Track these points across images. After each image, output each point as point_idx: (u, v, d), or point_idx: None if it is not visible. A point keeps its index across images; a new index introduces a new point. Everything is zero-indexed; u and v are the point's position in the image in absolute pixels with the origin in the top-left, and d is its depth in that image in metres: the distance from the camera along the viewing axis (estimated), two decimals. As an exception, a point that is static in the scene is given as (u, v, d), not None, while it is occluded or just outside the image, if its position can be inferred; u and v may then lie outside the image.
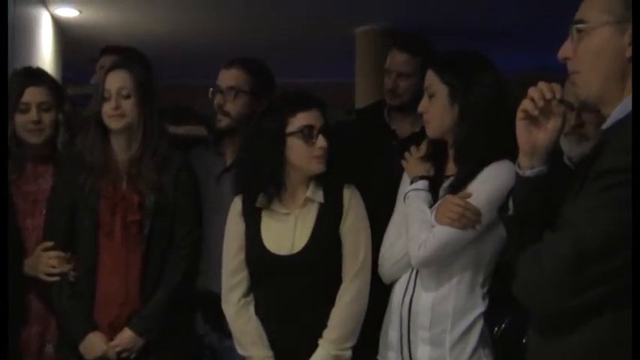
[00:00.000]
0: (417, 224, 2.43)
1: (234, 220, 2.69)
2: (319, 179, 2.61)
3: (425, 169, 2.56)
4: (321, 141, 2.57)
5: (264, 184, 2.62)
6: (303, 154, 2.58)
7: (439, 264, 2.42)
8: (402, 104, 3.33)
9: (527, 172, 1.82)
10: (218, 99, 3.06)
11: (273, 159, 2.59)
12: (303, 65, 8.48)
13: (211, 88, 3.08)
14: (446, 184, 2.51)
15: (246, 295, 2.66)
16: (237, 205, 2.69)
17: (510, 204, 1.90)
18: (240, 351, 2.65)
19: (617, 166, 1.59)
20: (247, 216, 2.66)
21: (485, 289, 2.45)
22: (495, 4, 6.18)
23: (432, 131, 2.54)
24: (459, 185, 2.42)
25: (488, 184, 2.37)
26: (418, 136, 2.95)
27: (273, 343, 2.60)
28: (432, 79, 2.51)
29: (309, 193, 2.61)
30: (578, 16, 1.76)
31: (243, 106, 3.04)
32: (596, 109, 1.79)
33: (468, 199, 2.36)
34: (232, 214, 2.70)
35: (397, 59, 3.37)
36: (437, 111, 2.49)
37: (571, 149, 2.38)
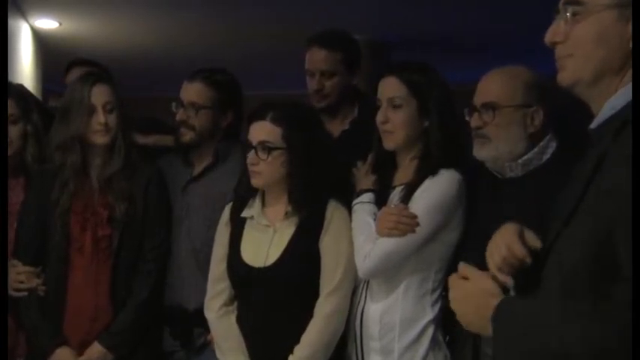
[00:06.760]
0: (363, 236, 2.49)
1: (220, 228, 2.71)
2: (303, 193, 2.57)
3: (370, 181, 2.60)
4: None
5: (245, 195, 2.65)
6: None
7: (385, 274, 2.47)
8: (330, 105, 3.08)
9: None
10: (180, 114, 2.99)
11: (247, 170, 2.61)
12: (292, 76, 8.48)
13: (174, 102, 3.01)
14: (394, 194, 2.54)
15: (228, 303, 2.66)
16: (226, 213, 2.71)
17: None
18: (219, 356, 2.66)
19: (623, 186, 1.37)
20: (233, 225, 2.67)
21: (435, 296, 2.48)
22: (477, 16, 6.23)
23: (393, 143, 2.55)
24: (409, 194, 2.48)
25: (428, 193, 2.44)
26: (349, 134, 3.00)
27: (249, 354, 2.59)
28: (398, 89, 2.51)
29: (290, 207, 2.59)
30: None
31: (206, 122, 2.98)
32: (585, 101, 1.56)
33: (410, 209, 2.42)
34: (221, 222, 2.71)
35: (316, 57, 3.09)
36: (404, 123, 2.51)
37: (477, 151, 2.34)
